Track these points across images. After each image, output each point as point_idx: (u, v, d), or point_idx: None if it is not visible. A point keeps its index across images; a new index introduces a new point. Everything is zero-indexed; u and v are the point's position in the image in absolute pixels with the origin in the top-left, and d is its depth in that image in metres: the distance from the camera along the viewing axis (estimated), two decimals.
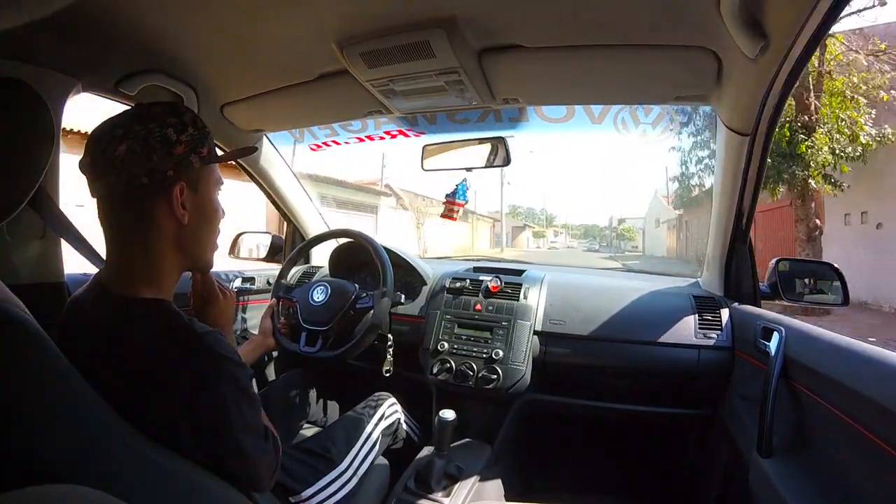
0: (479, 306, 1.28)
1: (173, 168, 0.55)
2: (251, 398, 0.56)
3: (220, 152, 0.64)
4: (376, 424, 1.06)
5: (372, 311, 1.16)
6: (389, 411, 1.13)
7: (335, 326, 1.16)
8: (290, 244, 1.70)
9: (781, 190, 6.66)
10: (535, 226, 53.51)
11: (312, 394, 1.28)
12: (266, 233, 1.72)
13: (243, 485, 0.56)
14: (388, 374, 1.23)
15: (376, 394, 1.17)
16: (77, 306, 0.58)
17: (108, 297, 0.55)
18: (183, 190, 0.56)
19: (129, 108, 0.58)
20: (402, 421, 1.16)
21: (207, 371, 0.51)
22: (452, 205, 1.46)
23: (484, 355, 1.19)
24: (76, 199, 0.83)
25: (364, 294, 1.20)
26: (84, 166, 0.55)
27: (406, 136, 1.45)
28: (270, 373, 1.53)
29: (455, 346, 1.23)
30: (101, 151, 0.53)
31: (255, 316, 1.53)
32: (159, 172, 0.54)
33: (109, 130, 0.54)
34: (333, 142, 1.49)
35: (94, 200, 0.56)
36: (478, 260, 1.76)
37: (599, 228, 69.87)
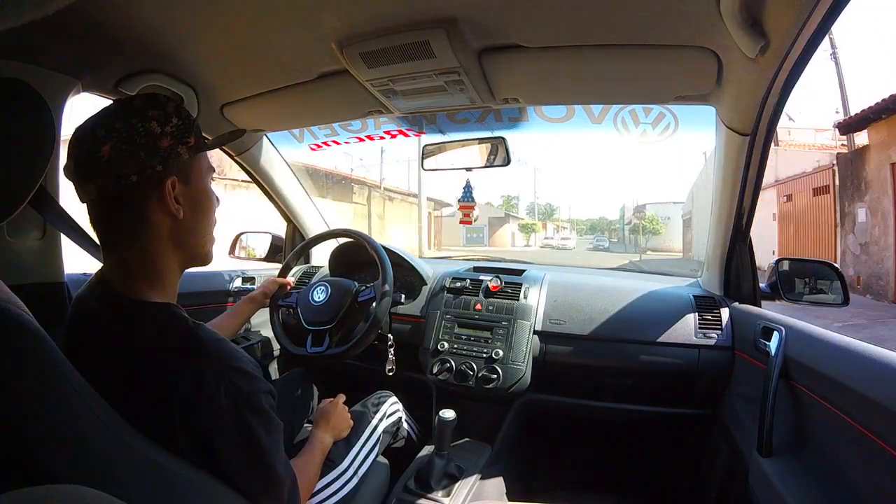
0: (479, 306, 1.28)
1: (162, 162, 0.53)
2: (258, 412, 0.53)
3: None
4: (379, 423, 1.06)
5: (375, 303, 1.16)
6: (392, 409, 1.13)
7: (340, 323, 1.16)
8: (290, 244, 1.70)
9: None
10: (524, 218, 41.68)
11: (314, 393, 1.28)
12: (266, 233, 1.72)
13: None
14: (391, 374, 1.23)
15: (378, 392, 1.17)
16: (82, 306, 0.58)
17: (114, 298, 0.54)
18: (175, 184, 0.55)
19: (108, 104, 0.56)
20: (403, 419, 1.16)
21: (206, 377, 0.50)
22: (464, 208, 1.48)
23: (484, 355, 1.20)
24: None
25: (365, 287, 1.20)
26: (69, 172, 0.53)
27: (406, 135, 1.45)
28: (273, 373, 1.54)
29: (455, 346, 1.24)
30: (84, 154, 0.51)
31: (255, 316, 1.53)
32: (148, 168, 0.52)
33: (91, 132, 0.52)
34: (334, 142, 1.49)
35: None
36: (478, 260, 1.76)
37: (608, 222, 57.15)
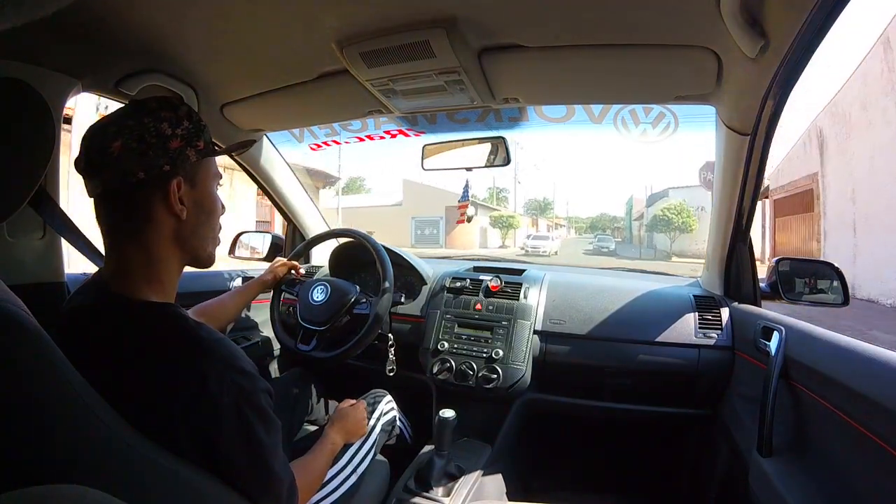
0: (479, 306, 1.28)
1: (169, 163, 0.54)
2: (258, 411, 0.53)
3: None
4: (377, 421, 1.07)
5: (369, 316, 1.16)
6: (387, 408, 1.13)
7: (331, 328, 1.16)
8: (290, 244, 1.70)
9: None
10: (499, 209, 29.86)
11: (313, 392, 1.28)
12: (266, 232, 1.72)
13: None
14: (391, 374, 1.24)
15: (373, 391, 1.17)
16: (77, 307, 0.58)
17: (110, 298, 0.55)
18: (180, 185, 0.56)
19: (123, 105, 0.58)
20: (398, 418, 1.17)
21: (209, 376, 0.50)
22: (460, 208, 1.48)
23: (484, 355, 1.20)
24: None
25: (363, 300, 1.20)
26: (79, 165, 0.55)
27: (406, 135, 1.46)
28: (273, 372, 1.54)
29: (455, 346, 1.24)
30: (95, 149, 0.53)
31: (255, 315, 1.54)
32: (155, 168, 0.53)
33: (103, 128, 0.53)
34: (334, 141, 1.50)
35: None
36: (478, 260, 1.77)
37: (611, 218, 47.92)
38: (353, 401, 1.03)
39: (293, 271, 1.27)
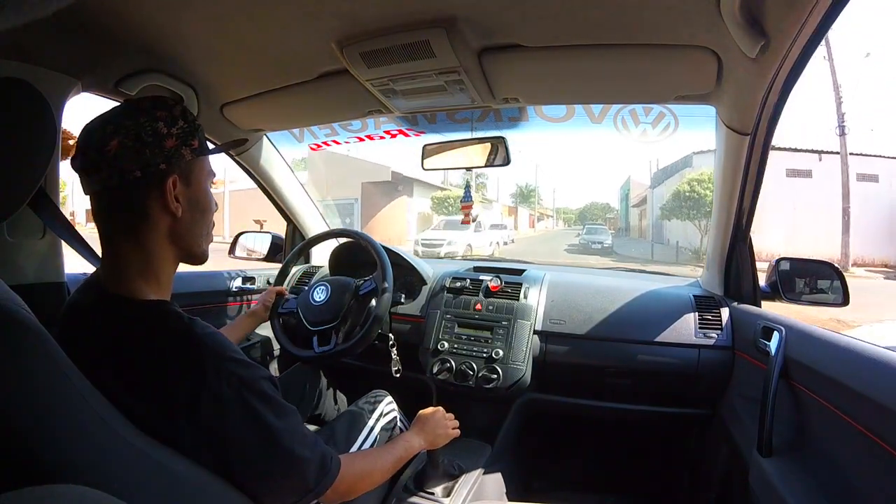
0: (479, 306, 1.28)
1: (165, 161, 0.55)
2: (263, 397, 0.54)
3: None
4: (376, 421, 1.07)
5: (375, 297, 1.16)
6: (388, 409, 1.13)
7: (343, 319, 1.16)
8: (290, 244, 1.71)
9: None
10: (444, 186, 19.91)
11: (313, 391, 1.28)
12: (266, 232, 1.72)
13: (252, 494, 0.53)
14: (398, 375, 1.23)
15: (374, 391, 1.17)
16: (76, 309, 0.58)
17: (107, 299, 0.55)
18: (176, 183, 0.56)
19: (117, 104, 0.58)
20: (398, 419, 1.17)
21: (208, 372, 0.50)
22: (464, 208, 1.48)
23: (484, 355, 1.20)
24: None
25: (363, 280, 1.20)
26: (76, 164, 0.55)
27: (406, 135, 1.45)
28: (273, 372, 1.53)
29: (455, 346, 1.24)
30: (93, 148, 0.53)
31: None
32: (152, 166, 0.54)
33: (100, 127, 0.54)
34: (334, 141, 1.50)
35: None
36: (478, 260, 1.77)
37: (601, 206, 41.70)
38: (432, 409, 0.98)
39: (282, 296, 1.26)
